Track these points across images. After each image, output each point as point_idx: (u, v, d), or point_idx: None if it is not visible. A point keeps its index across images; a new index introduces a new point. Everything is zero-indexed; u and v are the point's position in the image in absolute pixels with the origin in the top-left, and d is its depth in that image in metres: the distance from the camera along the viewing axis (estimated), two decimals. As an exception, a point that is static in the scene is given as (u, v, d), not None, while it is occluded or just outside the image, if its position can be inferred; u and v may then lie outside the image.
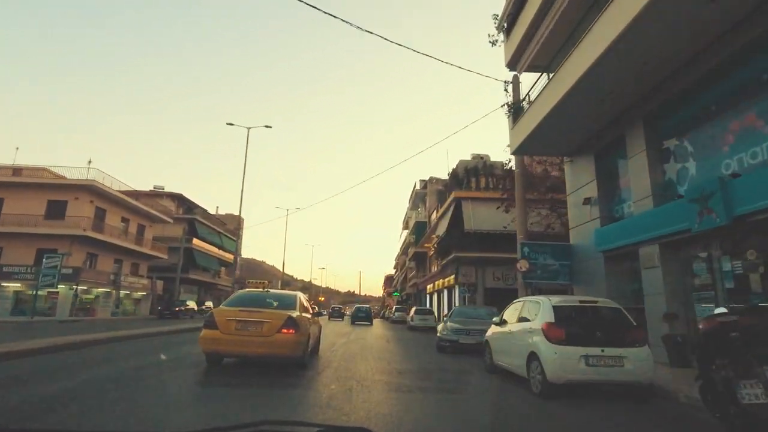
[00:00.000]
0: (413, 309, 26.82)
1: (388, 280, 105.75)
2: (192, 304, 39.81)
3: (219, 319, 7.19)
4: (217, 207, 68.01)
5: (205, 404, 5.19)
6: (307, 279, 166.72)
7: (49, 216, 29.20)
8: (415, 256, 46.84)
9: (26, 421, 3.85)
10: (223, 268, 59.11)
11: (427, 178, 47.26)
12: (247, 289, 10.65)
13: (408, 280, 53.83)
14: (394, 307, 40.13)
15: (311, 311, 9.57)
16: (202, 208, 51.80)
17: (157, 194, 46.73)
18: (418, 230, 44.86)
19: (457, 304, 28.50)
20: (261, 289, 10.71)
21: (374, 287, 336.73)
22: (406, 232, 59.67)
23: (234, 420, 4.10)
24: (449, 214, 25.20)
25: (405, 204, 64.82)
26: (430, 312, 26.50)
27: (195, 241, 46.58)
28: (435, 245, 28.27)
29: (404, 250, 62.02)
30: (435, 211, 40.69)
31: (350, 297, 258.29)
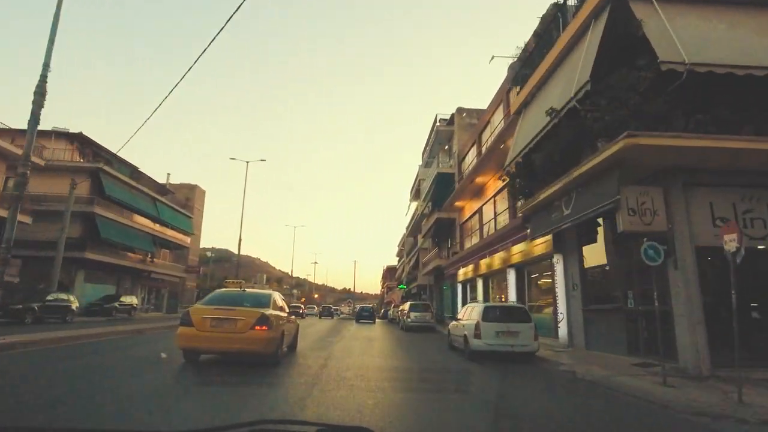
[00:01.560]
0: (478, 308, 10.91)
1: (389, 272, 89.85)
2: (71, 299, 23.88)
3: (195, 317, 7.45)
4: (168, 174, 52.10)
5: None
6: (302, 276, 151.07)
7: None
8: (435, 229, 31.09)
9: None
10: (166, 251, 43.21)
11: (451, 112, 31.51)
12: (224, 289, 10.52)
13: (422, 266, 38.12)
14: (408, 305, 24.41)
15: (287, 310, 9.68)
16: (118, 158, 35.68)
17: (41, 133, 30.71)
18: (440, 188, 29.13)
19: (561, 306, 12.87)
20: (237, 289, 10.51)
21: (371, 284, 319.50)
22: (415, 204, 43.99)
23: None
24: (595, 31, 9.22)
25: (408, 185, 49.21)
26: (525, 316, 10.51)
27: (103, 204, 30.60)
28: (520, 159, 12.34)
29: (413, 229, 46.34)
30: (474, 146, 24.92)
31: (347, 294, 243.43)
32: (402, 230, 65.45)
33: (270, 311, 7.97)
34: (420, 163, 41.79)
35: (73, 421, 4.23)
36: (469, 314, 11.40)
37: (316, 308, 56.52)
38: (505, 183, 14.97)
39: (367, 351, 11.60)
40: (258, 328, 7.38)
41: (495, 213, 20.85)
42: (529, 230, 13.34)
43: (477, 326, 10.15)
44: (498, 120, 20.83)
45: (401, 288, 49.63)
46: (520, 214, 13.72)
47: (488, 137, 22.19)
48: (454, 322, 12.88)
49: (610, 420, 5.60)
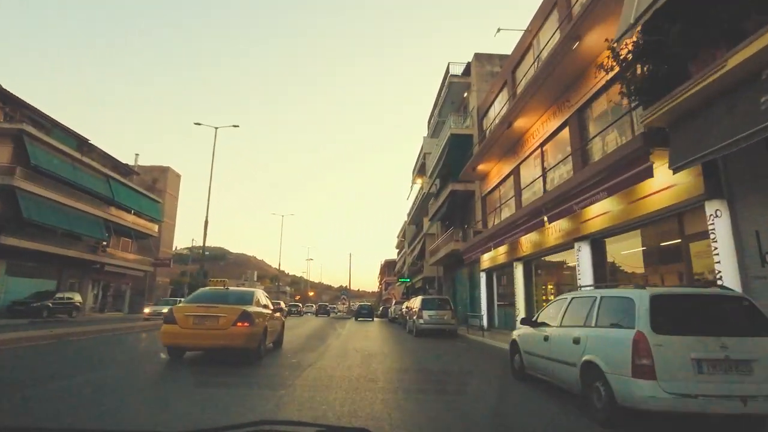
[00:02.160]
0: (631, 298, 4.83)
1: (387, 267, 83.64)
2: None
3: (178, 315, 7.55)
4: (137, 155, 45.66)
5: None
6: (298, 274, 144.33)
7: None
8: (448, 206, 24.93)
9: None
10: (126, 240, 36.83)
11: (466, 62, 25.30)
12: (207, 288, 10.07)
13: (428, 255, 31.98)
14: (419, 300, 18.16)
15: (272, 307, 9.79)
16: (63, 127, 29.23)
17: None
18: (454, 156, 23.02)
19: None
20: (221, 287, 10.03)
21: (368, 282, 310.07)
22: (419, 183, 37.83)
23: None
24: None
25: (409, 170, 43.19)
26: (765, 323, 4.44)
27: (29, 177, 24.20)
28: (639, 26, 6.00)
29: (417, 214, 40.25)
30: (504, 89, 18.81)
31: (342, 291, 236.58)
32: (402, 220, 58.95)
33: (252, 308, 8.08)
34: (425, 134, 35.57)
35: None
36: (580, 313, 5.20)
37: (314, 306, 56.60)
38: (612, 73, 8.72)
39: (363, 391, 5.43)
40: (240, 324, 7.48)
41: (544, 168, 14.71)
42: (669, 155, 7.08)
43: (639, 347, 3.98)
44: (548, 37, 14.66)
45: (403, 282, 43.41)
46: (646, 121, 7.39)
47: (529, 68, 16.03)
48: (529, 330, 6.68)
49: None
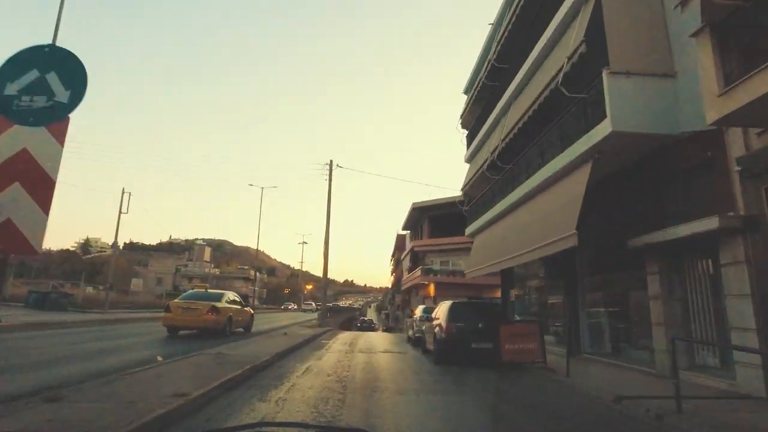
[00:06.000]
0: None
1: (415, 222, 47.39)
2: None
3: (172, 306, 13.82)
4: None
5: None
6: (297, 266, 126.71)
7: None
8: None
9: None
10: None
11: None
12: (194, 289, 17.19)
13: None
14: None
15: (242, 304, 16.25)
16: None
17: None
18: None
19: None
20: (203, 290, 16.47)
21: (377, 278, 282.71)
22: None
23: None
24: None
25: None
26: None
27: None
28: None
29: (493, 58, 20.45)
30: None
31: (349, 287, 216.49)
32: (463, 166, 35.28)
33: (219, 304, 13.94)
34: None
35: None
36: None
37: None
38: None
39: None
40: (209, 313, 13.33)
41: None
42: None
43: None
44: None
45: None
46: None
47: None
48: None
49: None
